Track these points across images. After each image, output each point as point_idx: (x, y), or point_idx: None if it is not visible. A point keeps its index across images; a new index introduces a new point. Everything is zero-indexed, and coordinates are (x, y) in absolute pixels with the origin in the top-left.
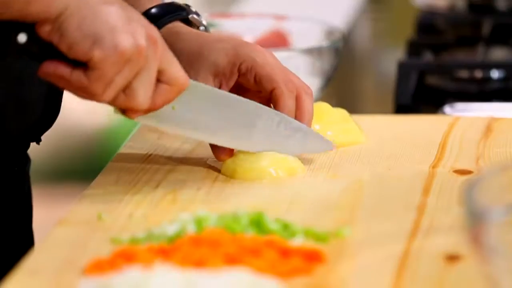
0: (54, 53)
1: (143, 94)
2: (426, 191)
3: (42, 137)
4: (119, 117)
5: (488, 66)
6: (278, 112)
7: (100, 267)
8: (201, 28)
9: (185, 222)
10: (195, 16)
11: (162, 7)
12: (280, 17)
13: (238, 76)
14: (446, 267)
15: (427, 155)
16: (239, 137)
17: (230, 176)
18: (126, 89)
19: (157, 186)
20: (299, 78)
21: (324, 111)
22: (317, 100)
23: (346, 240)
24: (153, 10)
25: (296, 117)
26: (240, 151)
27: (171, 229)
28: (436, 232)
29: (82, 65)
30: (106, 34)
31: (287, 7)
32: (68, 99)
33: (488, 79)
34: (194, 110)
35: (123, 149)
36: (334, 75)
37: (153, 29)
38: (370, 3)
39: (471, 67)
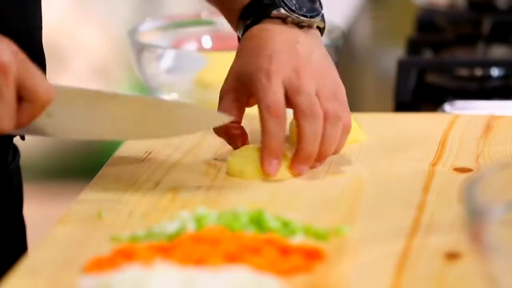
0: None
1: (4, 118)
2: (426, 189)
3: None
4: None
5: (488, 64)
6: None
7: (100, 265)
8: (289, 19)
9: (185, 220)
10: (280, 10)
11: (251, 5)
12: None
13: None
14: (446, 265)
15: (427, 153)
16: (122, 130)
17: (239, 176)
18: None
19: (157, 184)
20: (335, 104)
21: None
22: None
23: (346, 238)
24: (244, 11)
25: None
26: (243, 150)
27: (171, 227)
28: (436, 230)
29: None
30: None
31: None
32: None
33: (488, 77)
34: (71, 113)
35: (123, 147)
36: None
37: (1, 50)
38: (370, 1)
39: (471, 65)
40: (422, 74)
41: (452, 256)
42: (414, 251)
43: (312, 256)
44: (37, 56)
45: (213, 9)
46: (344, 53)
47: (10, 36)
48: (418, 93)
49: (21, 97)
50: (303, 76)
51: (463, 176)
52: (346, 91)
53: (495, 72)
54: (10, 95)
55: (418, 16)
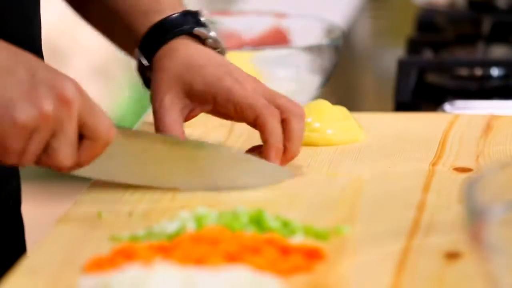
0: None
1: (63, 153)
2: (426, 189)
3: None
4: (117, 114)
5: (488, 64)
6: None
7: (99, 265)
8: (209, 40)
9: (185, 220)
10: (200, 29)
11: (169, 21)
12: (280, 15)
13: (215, 105)
14: (446, 265)
15: (427, 153)
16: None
17: None
18: (46, 148)
19: None
20: (286, 99)
21: (323, 109)
22: (316, 98)
23: (346, 238)
24: (163, 23)
25: (284, 141)
26: None
27: (171, 227)
28: (436, 230)
29: None
30: (2, 110)
31: (287, 4)
32: None
33: (488, 77)
34: (132, 156)
35: None
36: (334, 72)
37: (65, 85)
38: (370, 1)
39: (471, 65)
40: (422, 74)
41: (452, 256)
42: (414, 251)
43: (312, 256)
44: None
45: (213, 8)
46: (344, 53)
47: (10, 36)
48: (418, 93)
49: (82, 135)
50: (246, 80)
51: (463, 176)
52: (346, 90)
53: (495, 72)
54: (71, 131)
55: (418, 16)
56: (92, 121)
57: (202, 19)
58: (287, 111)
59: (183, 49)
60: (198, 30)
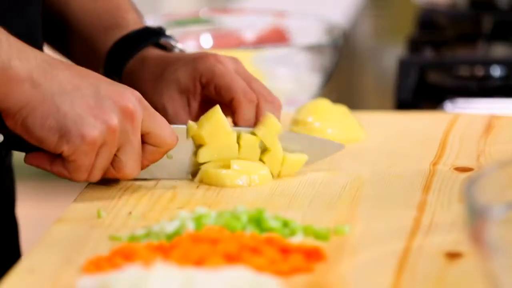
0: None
1: (130, 164)
2: (426, 188)
3: None
4: None
5: (488, 63)
6: None
7: (99, 265)
8: (176, 50)
9: (184, 220)
10: (167, 39)
11: (136, 33)
12: (280, 14)
13: (202, 89)
14: (446, 264)
15: (427, 152)
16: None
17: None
18: (113, 162)
19: (156, 184)
20: (263, 86)
21: (324, 108)
22: (317, 97)
23: (346, 237)
24: (130, 36)
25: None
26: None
27: (170, 227)
28: (437, 229)
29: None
30: (71, 126)
31: (287, 3)
32: None
33: (488, 76)
34: (186, 154)
35: None
36: (334, 72)
37: (127, 98)
38: (371, 0)
39: (472, 64)
40: (423, 73)
41: (452, 255)
42: (414, 251)
43: (312, 256)
44: None
45: (213, 6)
46: (345, 52)
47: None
48: (419, 92)
49: (143, 141)
50: (226, 60)
51: (464, 175)
52: (347, 89)
53: (495, 71)
54: (136, 142)
55: (418, 15)
56: (156, 129)
57: (167, 33)
58: (261, 96)
59: (153, 55)
60: (164, 40)
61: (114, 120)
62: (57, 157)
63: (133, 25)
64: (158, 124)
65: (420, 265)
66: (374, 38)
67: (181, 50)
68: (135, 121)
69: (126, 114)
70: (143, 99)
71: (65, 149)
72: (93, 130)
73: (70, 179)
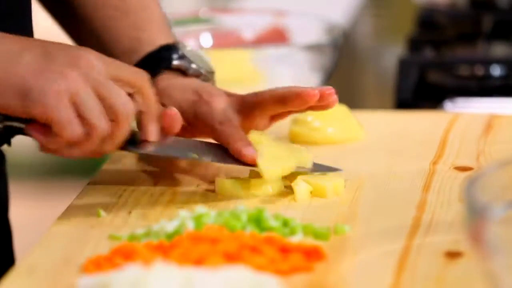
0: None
1: (121, 101)
2: (426, 187)
3: None
4: None
5: (488, 62)
6: None
7: (99, 264)
8: (190, 71)
9: (184, 219)
10: (179, 62)
11: (147, 59)
12: (280, 13)
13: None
14: (446, 264)
15: (427, 151)
16: None
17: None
18: (107, 111)
19: (156, 183)
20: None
21: None
22: None
23: (346, 237)
24: (139, 65)
25: None
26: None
27: (170, 226)
28: (437, 228)
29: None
30: (30, 85)
31: (287, 3)
32: None
33: (488, 75)
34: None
35: None
36: (334, 71)
37: (78, 51)
38: (371, 0)
39: (472, 63)
40: (423, 72)
41: (452, 255)
42: (414, 250)
43: (312, 255)
44: None
45: (213, 6)
46: (345, 51)
47: None
48: (419, 91)
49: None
50: None
51: (464, 174)
52: (347, 89)
53: (495, 70)
54: (110, 83)
55: (418, 15)
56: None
57: (188, 48)
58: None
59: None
60: (177, 63)
61: (69, 69)
62: (47, 128)
63: (147, 46)
64: (115, 92)
65: (420, 264)
66: (374, 37)
67: (195, 70)
68: (95, 68)
69: (82, 63)
70: (101, 57)
71: (34, 111)
72: (53, 84)
73: (74, 146)
